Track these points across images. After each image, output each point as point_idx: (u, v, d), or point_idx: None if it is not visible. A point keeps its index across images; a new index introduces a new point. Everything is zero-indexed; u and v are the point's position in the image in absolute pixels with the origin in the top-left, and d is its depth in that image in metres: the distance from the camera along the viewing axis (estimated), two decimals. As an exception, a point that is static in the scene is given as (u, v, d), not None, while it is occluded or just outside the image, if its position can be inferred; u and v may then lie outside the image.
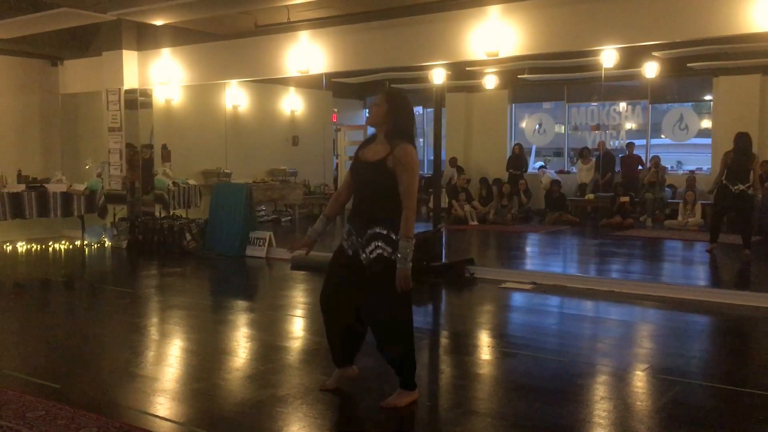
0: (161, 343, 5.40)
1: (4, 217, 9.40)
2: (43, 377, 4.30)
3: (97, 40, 10.69)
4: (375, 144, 3.79)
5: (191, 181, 11.44)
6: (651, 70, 11.57)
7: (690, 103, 14.35)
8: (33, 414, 3.62)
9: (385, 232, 3.65)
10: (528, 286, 7.11)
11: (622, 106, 14.44)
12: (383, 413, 3.75)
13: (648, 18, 6.77)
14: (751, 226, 8.92)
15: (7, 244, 9.96)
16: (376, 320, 3.78)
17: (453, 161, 14.44)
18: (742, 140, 8.55)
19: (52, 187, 9.85)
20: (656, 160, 12.64)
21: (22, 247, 9.91)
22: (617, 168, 13.41)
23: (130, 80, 10.49)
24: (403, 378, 3.83)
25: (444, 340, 5.46)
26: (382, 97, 3.80)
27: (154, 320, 6.18)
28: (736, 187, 8.51)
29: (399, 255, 3.59)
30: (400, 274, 3.59)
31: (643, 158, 13.47)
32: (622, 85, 13.98)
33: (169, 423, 3.62)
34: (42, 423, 3.50)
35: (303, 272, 8.16)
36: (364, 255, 3.71)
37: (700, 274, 8.53)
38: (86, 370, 4.57)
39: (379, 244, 3.65)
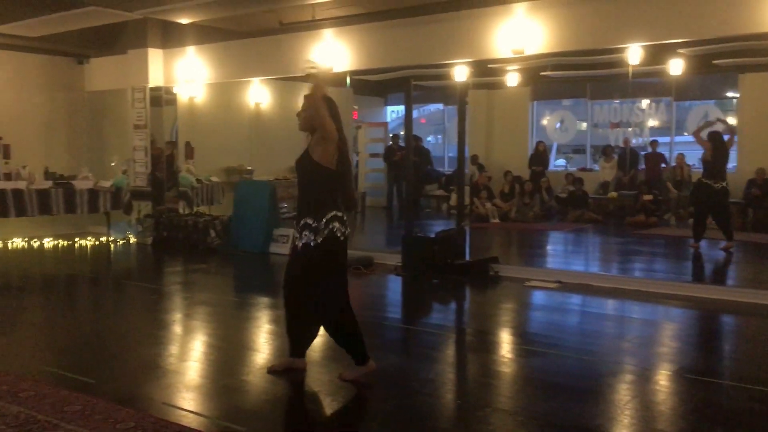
0: (188, 339, 5.46)
1: (32, 213, 9.56)
2: (76, 372, 4.36)
3: (122, 39, 10.78)
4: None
5: (214, 178, 11.53)
6: (676, 67, 11.43)
7: (713, 101, 14.18)
8: (70, 408, 3.67)
9: (310, 222, 4.06)
10: (553, 285, 7.09)
11: (646, 103, 14.31)
12: (410, 411, 3.77)
13: (675, 15, 6.71)
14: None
15: (35, 240, 10.10)
16: (316, 304, 4.10)
17: (474, 159, 14.37)
18: (719, 139, 8.96)
19: (78, 184, 9.99)
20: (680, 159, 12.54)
21: (48, 243, 10.05)
22: (641, 166, 13.30)
23: (156, 78, 10.59)
24: (353, 355, 4.15)
25: (469, 338, 5.47)
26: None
27: (181, 316, 6.24)
28: (717, 185, 8.77)
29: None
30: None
31: (667, 156, 13.34)
32: (646, 82, 13.83)
33: (200, 418, 3.66)
34: (80, 417, 3.55)
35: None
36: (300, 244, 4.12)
37: (727, 273, 8.45)
38: (117, 365, 4.63)
39: (306, 233, 4.07)
